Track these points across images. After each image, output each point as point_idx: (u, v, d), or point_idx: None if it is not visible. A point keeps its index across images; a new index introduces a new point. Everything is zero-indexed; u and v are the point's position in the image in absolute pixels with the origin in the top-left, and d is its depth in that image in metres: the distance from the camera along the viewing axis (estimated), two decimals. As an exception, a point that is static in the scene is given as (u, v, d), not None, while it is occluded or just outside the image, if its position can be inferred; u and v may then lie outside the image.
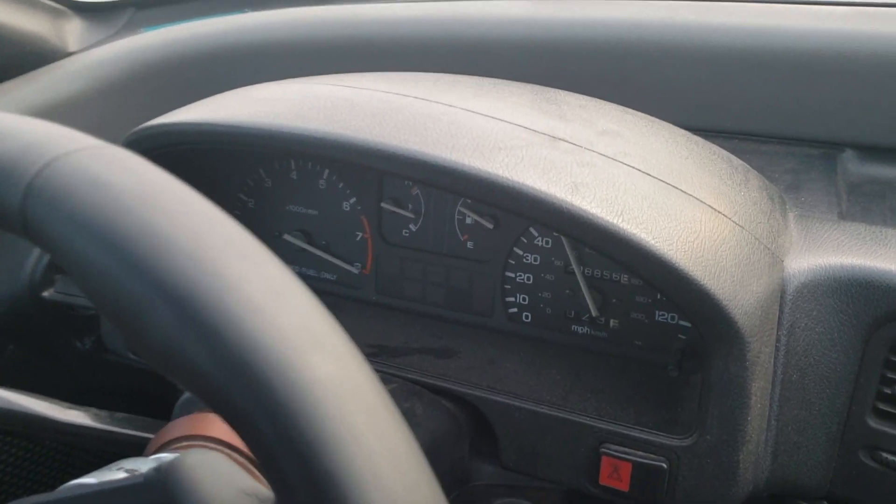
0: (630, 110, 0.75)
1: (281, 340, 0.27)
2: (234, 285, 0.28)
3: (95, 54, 1.15)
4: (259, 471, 0.28)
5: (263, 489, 0.36)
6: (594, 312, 0.75)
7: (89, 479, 0.46)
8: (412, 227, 0.84)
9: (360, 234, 0.87)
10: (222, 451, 0.52)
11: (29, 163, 0.31)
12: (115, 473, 0.47)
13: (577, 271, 0.75)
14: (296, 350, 0.27)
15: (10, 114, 0.35)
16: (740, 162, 0.73)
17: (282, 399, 0.26)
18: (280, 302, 0.28)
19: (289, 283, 0.30)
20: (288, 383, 0.26)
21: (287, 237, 0.89)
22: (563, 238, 0.76)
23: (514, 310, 0.81)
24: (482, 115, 0.66)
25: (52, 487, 0.47)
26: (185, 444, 0.54)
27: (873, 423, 0.63)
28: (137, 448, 0.66)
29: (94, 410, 0.69)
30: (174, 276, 0.27)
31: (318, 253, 0.89)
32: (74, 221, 0.29)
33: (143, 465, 0.48)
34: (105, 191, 0.30)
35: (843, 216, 0.75)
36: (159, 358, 0.28)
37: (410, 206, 0.84)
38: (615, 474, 0.65)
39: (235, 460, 0.52)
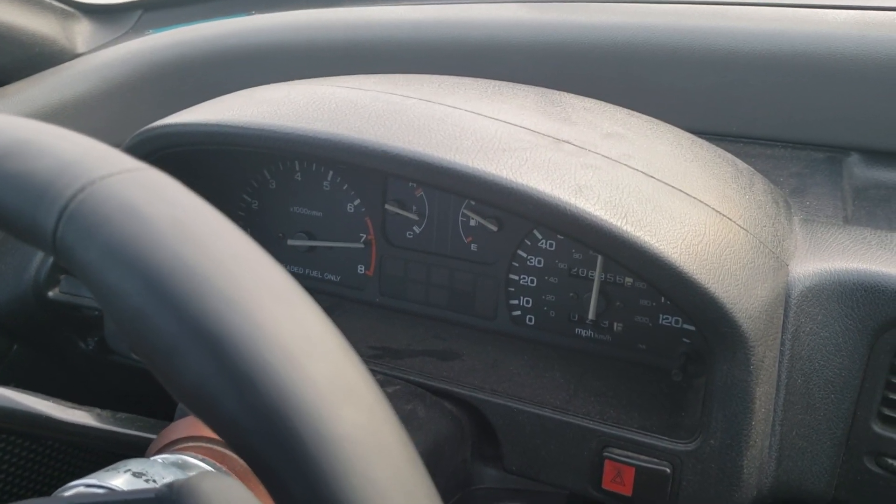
0: (635, 113, 0.75)
1: (312, 392, 0.27)
2: (268, 331, 0.27)
3: (103, 56, 1.15)
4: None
5: None
6: (592, 316, 0.75)
7: (92, 480, 0.46)
8: (416, 229, 0.84)
9: (364, 236, 0.87)
10: (227, 458, 0.52)
11: (65, 185, 0.30)
12: (120, 475, 0.47)
13: (597, 277, 0.75)
14: (326, 403, 0.27)
15: (48, 126, 0.34)
16: (745, 165, 0.73)
17: (310, 454, 0.26)
18: (312, 349, 0.28)
19: (321, 329, 0.29)
20: (317, 437, 0.26)
21: (291, 242, 0.89)
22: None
23: (518, 312, 0.81)
24: (486, 116, 0.66)
25: (55, 487, 0.47)
26: (187, 445, 0.54)
27: (878, 428, 0.62)
28: (140, 448, 0.66)
29: (97, 410, 0.69)
30: (208, 320, 0.27)
31: (325, 244, 0.89)
32: (108, 252, 0.29)
33: (147, 467, 0.48)
34: (141, 222, 0.29)
35: (848, 220, 0.75)
36: (188, 399, 0.28)
37: (414, 207, 0.84)
38: (618, 479, 0.65)
39: (243, 469, 0.52)
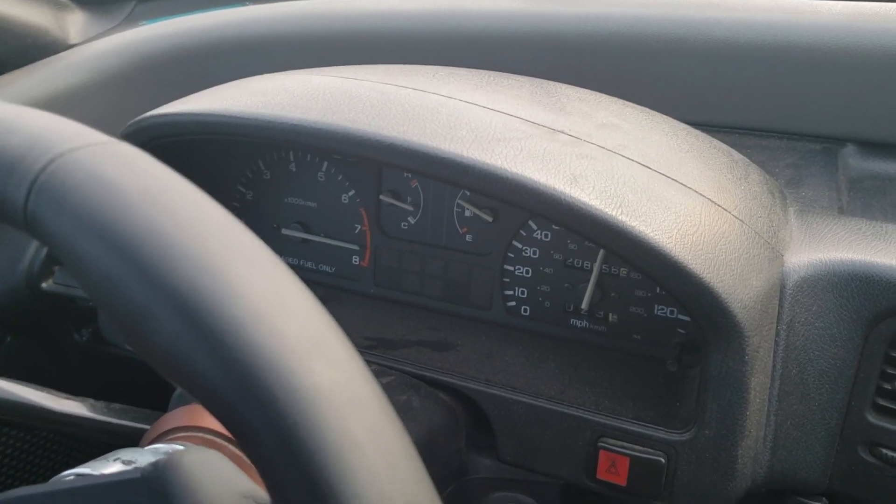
0: (630, 104, 0.75)
1: (283, 348, 0.27)
2: (239, 291, 0.27)
3: (97, 46, 1.14)
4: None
5: (261, 491, 0.36)
6: (585, 306, 0.75)
7: (84, 469, 0.46)
8: (411, 219, 0.84)
9: (359, 227, 0.87)
10: (220, 446, 0.52)
11: (34, 158, 0.30)
12: (111, 464, 0.47)
13: (597, 267, 0.75)
14: (298, 358, 0.27)
15: (17, 105, 0.34)
16: (741, 156, 0.73)
17: (283, 408, 0.26)
18: (283, 308, 0.28)
19: (292, 289, 0.29)
20: (289, 392, 0.26)
21: (286, 231, 0.89)
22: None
23: (513, 303, 0.81)
24: (481, 106, 0.66)
25: (48, 477, 0.47)
26: (181, 434, 0.54)
27: (873, 418, 0.63)
28: (133, 439, 0.66)
29: (91, 401, 0.69)
30: (178, 281, 0.27)
31: (318, 239, 0.88)
32: (78, 221, 0.29)
33: (139, 456, 0.48)
34: (110, 191, 0.29)
35: (843, 211, 0.75)
36: (161, 362, 0.28)
37: (409, 198, 0.83)
38: (613, 469, 0.65)
39: (232, 454, 0.52)
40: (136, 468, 0.35)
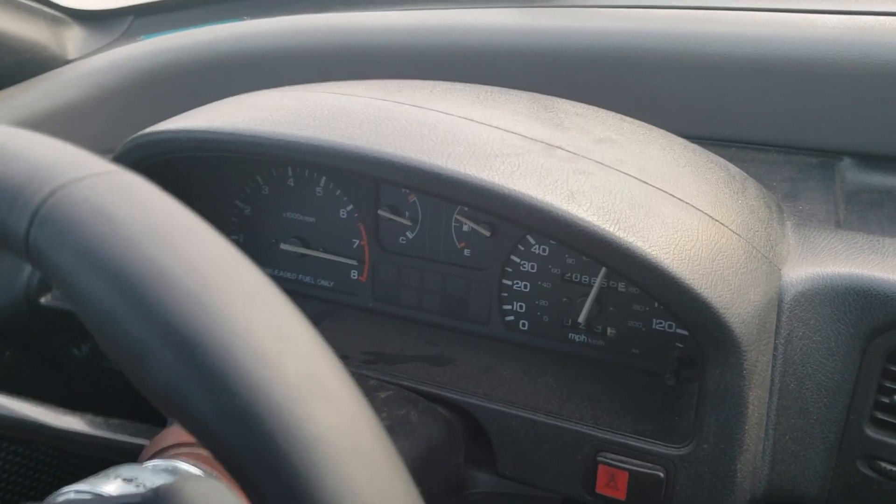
0: (627, 118, 0.75)
1: (284, 392, 0.26)
2: (239, 331, 0.27)
3: (94, 62, 1.15)
4: None
5: None
6: (583, 320, 0.75)
7: (83, 486, 0.46)
8: (409, 234, 0.84)
9: (357, 242, 0.87)
10: (218, 465, 0.52)
11: (36, 188, 0.30)
12: (111, 481, 0.47)
13: (598, 283, 0.75)
14: (299, 403, 0.27)
15: (21, 131, 0.34)
16: (738, 170, 0.73)
17: (283, 457, 0.26)
18: (285, 348, 0.28)
19: (294, 327, 0.29)
20: (290, 441, 0.26)
21: (284, 246, 0.89)
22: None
23: (511, 318, 0.81)
24: (478, 122, 0.66)
25: (47, 493, 0.47)
26: (180, 451, 0.54)
27: (871, 432, 0.63)
28: (132, 454, 0.66)
29: (90, 416, 0.69)
30: (178, 321, 0.27)
31: (317, 254, 0.88)
32: (79, 258, 0.29)
33: (139, 473, 0.48)
34: (112, 226, 0.29)
35: (840, 225, 0.75)
36: (159, 400, 0.27)
37: (407, 213, 0.84)
38: (612, 483, 0.65)
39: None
40: (136, 493, 0.35)
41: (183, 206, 0.31)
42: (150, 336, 0.27)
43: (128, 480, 0.47)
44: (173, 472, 0.50)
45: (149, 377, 0.27)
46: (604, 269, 0.75)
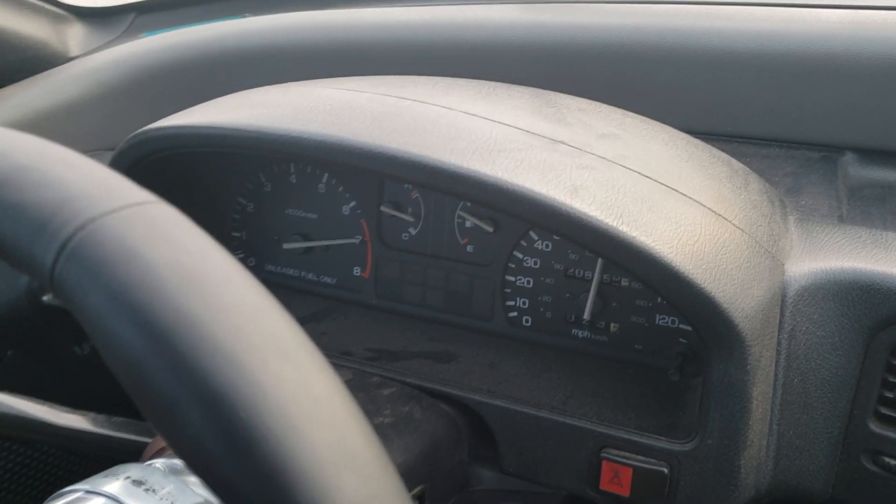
0: (630, 113, 0.75)
1: (313, 461, 0.26)
2: (270, 393, 0.26)
3: (97, 59, 1.15)
4: None
5: None
6: (587, 316, 0.75)
7: (85, 485, 0.46)
8: (412, 230, 0.84)
9: (360, 238, 0.87)
10: None
11: (65, 220, 0.29)
12: (115, 480, 0.47)
13: (596, 277, 0.75)
14: (328, 474, 0.26)
15: (53, 147, 0.32)
16: (741, 165, 0.73)
17: None
18: (317, 413, 0.27)
19: (328, 390, 0.28)
20: None
21: (286, 246, 0.89)
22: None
23: (515, 314, 0.81)
24: (481, 117, 0.66)
25: (49, 492, 0.47)
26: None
27: (875, 427, 0.62)
28: (135, 452, 0.66)
29: (92, 415, 0.69)
30: (209, 376, 0.26)
31: (320, 244, 0.88)
32: (108, 299, 0.27)
33: (146, 474, 0.48)
34: (143, 267, 0.28)
35: (843, 219, 0.75)
36: (185, 454, 0.27)
37: (410, 209, 0.83)
38: (616, 479, 0.65)
39: None
40: None
41: (216, 244, 0.30)
42: (179, 392, 0.26)
43: (137, 483, 0.47)
44: (180, 471, 0.50)
45: (175, 431, 0.27)
46: (600, 262, 0.74)
